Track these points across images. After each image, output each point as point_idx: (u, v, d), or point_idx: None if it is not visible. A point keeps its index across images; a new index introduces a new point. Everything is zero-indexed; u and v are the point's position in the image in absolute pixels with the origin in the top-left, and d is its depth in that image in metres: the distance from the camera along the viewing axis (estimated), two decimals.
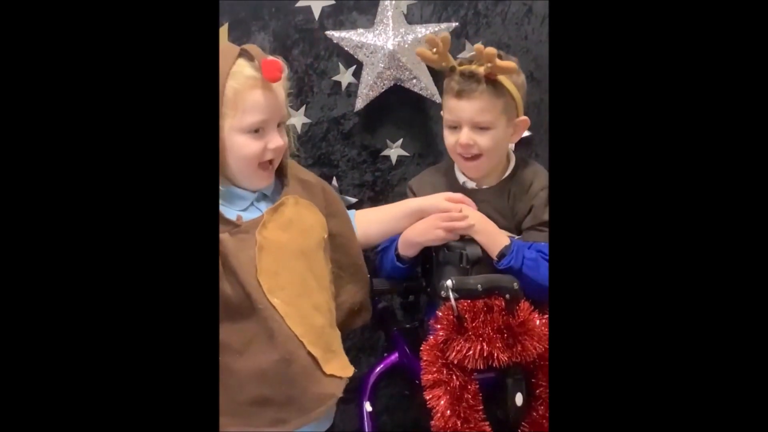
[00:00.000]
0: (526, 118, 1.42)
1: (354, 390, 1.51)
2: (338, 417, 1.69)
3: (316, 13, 1.60)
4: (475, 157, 1.39)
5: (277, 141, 1.20)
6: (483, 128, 1.37)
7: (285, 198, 1.24)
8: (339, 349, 1.26)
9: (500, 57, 1.34)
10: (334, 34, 1.59)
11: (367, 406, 1.43)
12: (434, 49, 1.38)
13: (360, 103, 1.61)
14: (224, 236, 1.14)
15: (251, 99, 1.16)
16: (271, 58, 1.18)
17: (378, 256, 1.49)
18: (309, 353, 1.16)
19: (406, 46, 1.58)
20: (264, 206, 1.23)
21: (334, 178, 1.68)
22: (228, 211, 1.19)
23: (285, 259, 1.19)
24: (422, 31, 1.59)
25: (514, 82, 1.38)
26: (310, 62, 1.62)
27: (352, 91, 1.64)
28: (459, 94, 1.36)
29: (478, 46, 1.33)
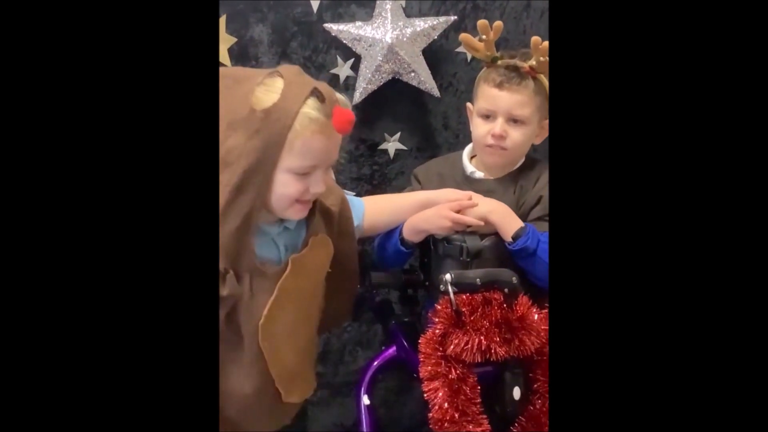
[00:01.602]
0: None
1: (352, 383, 1.52)
2: (337, 410, 1.71)
3: (315, 6, 1.60)
4: (503, 148, 1.39)
5: (319, 187, 1.14)
6: (518, 122, 1.38)
7: (312, 241, 1.20)
8: (306, 371, 1.27)
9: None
10: (333, 27, 1.59)
11: (365, 400, 1.43)
12: (483, 36, 1.38)
13: (358, 97, 1.61)
14: (245, 277, 1.12)
15: (309, 144, 1.08)
16: (343, 105, 1.12)
17: (377, 239, 1.48)
18: (276, 390, 1.19)
19: (405, 39, 1.57)
20: (282, 241, 1.19)
21: (332, 171, 1.67)
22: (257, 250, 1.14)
23: (285, 304, 1.17)
24: (421, 24, 1.59)
25: None
26: (309, 55, 1.62)
27: (350, 84, 1.63)
28: (500, 85, 1.37)
29: (536, 38, 1.34)
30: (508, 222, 1.33)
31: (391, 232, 1.42)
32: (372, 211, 1.38)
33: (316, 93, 1.09)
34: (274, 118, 1.06)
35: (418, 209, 1.37)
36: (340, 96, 1.14)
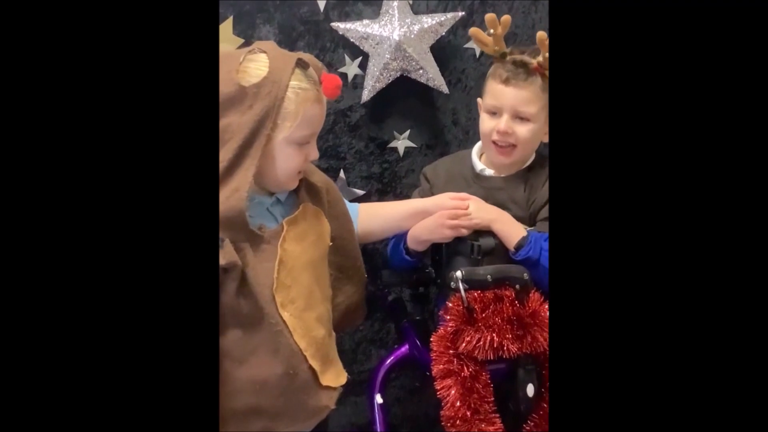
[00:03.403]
0: None
1: (365, 382, 1.51)
2: (350, 409, 1.71)
3: (322, 5, 1.60)
4: (510, 146, 1.38)
5: (315, 154, 1.20)
6: (523, 119, 1.36)
7: (303, 207, 1.22)
8: (335, 357, 1.26)
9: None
10: (340, 26, 1.58)
11: (378, 398, 1.43)
12: (491, 30, 1.37)
13: (366, 95, 1.61)
14: (245, 246, 1.12)
15: (310, 112, 1.14)
16: (329, 72, 1.17)
17: (387, 246, 1.48)
18: (310, 367, 1.16)
19: (412, 36, 1.57)
20: (277, 211, 1.21)
21: (342, 170, 1.67)
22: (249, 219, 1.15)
23: (297, 272, 1.17)
24: (428, 21, 1.58)
25: None
26: (316, 54, 1.61)
27: (358, 83, 1.63)
28: (507, 81, 1.36)
29: (542, 33, 1.32)
30: (511, 231, 1.32)
31: (398, 242, 1.42)
32: (366, 216, 1.38)
33: (301, 63, 1.13)
34: (265, 92, 1.09)
35: (413, 218, 1.37)
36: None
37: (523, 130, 1.37)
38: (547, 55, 1.33)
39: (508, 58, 1.38)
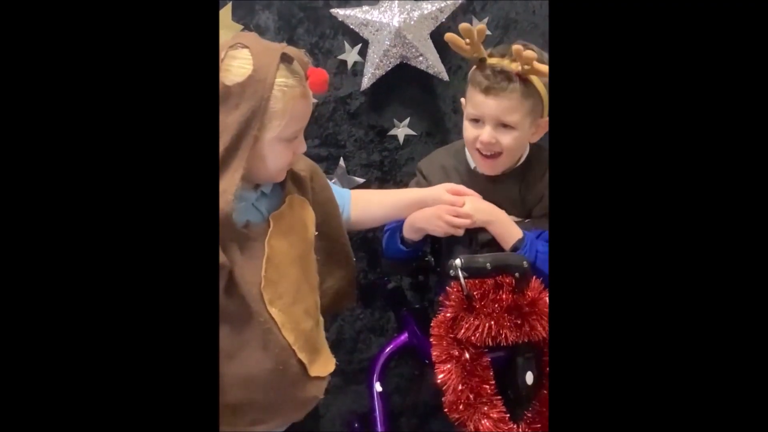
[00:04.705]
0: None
1: (364, 371, 1.52)
2: (350, 397, 1.72)
3: None
4: (495, 155, 1.35)
5: (303, 147, 1.18)
6: (507, 126, 1.32)
7: (289, 200, 1.21)
8: (323, 345, 1.26)
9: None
10: (339, 12, 1.57)
11: (377, 387, 1.43)
12: (467, 40, 1.31)
13: (366, 82, 1.60)
14: (232, 246, 1.11)
15: (297, 109, 1.12)
16: (315, 67, 1.14)
17: (384, 235, 1.47)
18: (299, 360, 1.16)
19: (412, 23, 1.56)
20: (263, 205, 1.19)
21: (341, 158, 1.67)
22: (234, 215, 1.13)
23: (285, 267, 1.16)
24: (428, 7, 1.57)
25: (544, 83, 1.32)
26: (316, 41, 1.61)
27: (358, 70, 1.62)
28: (487, 90, 1.30)
29: (517, 47, 1.26)
30: (507, 234, 1.32)
31: (394, 232, 1.41)
32: (360, 203, 1.36)
33: (285, 57, 1.10)
34: (251, 91, 1.07)
35: (409, 207, 1.36)
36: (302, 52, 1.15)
37: (507, 138, 1.32)
38: (527, 67, 1.27)
39: (488, 63, 1.32)
